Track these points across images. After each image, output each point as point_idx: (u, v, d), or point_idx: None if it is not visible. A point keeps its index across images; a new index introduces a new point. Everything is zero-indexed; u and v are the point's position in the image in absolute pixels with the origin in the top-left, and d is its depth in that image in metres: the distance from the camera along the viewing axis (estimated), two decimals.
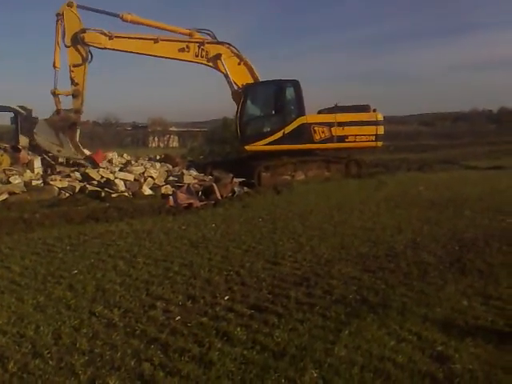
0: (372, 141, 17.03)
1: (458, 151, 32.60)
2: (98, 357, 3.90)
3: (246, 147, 16.59)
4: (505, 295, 5.21)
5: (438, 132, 61.51)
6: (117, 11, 16.08)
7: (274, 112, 16.73)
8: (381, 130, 17.09)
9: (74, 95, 15.82)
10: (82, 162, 15.16)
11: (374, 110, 17.27)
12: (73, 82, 15.76)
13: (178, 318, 4.70)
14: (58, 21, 15.37)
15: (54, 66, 15.53)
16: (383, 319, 4.56)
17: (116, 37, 15.93)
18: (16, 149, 15.18)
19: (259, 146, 16.34)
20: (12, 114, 18.87)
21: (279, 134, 16.27)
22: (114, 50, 16.24)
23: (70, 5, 15.38)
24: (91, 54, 15.90)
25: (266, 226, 9.21)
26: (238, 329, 4.39)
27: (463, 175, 17.95)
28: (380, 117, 17.22)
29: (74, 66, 15.57)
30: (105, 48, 15.94)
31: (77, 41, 15.39)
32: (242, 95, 16.50)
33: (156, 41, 16.11)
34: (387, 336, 4.22)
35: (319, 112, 17.25)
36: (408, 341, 4.13)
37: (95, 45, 15.78)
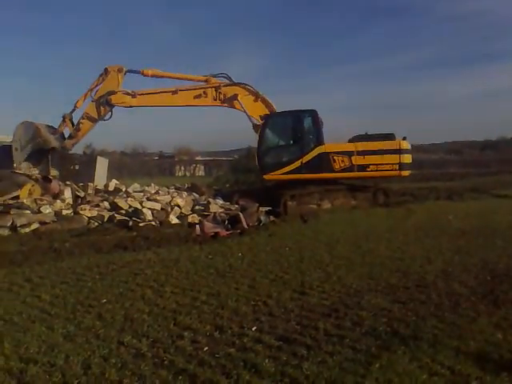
0: (395, 170, 16.29)
1: (486, 179, 32.08)
2: None
3: (265, 176, 17.00)
4: None
5: (465, 160, 60.90)
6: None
7: (292, 142, 16.86)
8: (406, 158, 16.39)
9: (72, 136, 16.87)
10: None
11: (404, 138, 16.73)
12: (77, 127, 16.78)
13: (206, 348, 4.67)
14: (102, 73, 16.67)
15: (76, 105, 16.78)
16: (414, 352, 4.46)
17: (139, 94, 16.95)
18: (47, 179, 15.54)
19: (277, 175, 16.63)
20: None
21: (297, 164, 16.42)
22: (138, 106, 17.42)
23: (120, 70, 16.77)
24: (112, 113, 16.96)
25: (293, 255, 9.16)
26: (267, 360, 4.34)
27: (493, 204, 17.60)
28: (405, 145, 16.49)
29: (88, 117, 16.70)
30: (130, 106, 17.06)
31: (104, 101, 16.56)
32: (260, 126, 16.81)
33: (175, 92, 16.87)
34: (419, 369, 4.11)
35: (349, 141, 17.12)
36: (441, 375, 4.02)
37: (121, 105, 16.88)
